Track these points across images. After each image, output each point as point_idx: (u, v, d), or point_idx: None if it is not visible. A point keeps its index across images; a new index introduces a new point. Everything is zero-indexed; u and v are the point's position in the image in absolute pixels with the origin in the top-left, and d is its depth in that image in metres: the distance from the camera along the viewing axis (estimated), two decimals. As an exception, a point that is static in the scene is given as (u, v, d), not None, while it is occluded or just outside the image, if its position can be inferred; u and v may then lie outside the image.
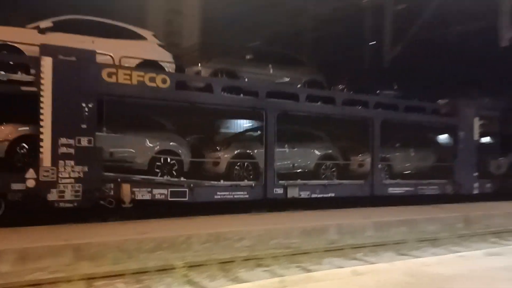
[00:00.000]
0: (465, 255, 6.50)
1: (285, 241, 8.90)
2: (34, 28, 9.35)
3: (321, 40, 22.06)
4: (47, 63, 8.51)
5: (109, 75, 9.21)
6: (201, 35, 22.81)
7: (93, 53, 9.16)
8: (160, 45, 10.81)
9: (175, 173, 10.32)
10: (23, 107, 8.61)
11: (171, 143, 10.51)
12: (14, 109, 8.63)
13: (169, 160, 10.34)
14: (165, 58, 10.61)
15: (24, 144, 8.80)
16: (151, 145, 10.27)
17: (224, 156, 11.21)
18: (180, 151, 10.57)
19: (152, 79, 9.67)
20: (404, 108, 13.57)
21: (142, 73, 9.60)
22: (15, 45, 8.86)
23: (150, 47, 10.54)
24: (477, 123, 14.63)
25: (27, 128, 8.84)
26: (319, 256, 8.06)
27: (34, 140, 8.57)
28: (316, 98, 12.16)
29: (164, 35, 21.03)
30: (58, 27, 9.47)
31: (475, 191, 14.66)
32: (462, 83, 15.41)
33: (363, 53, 21.32)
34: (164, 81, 9.80)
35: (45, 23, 9.40)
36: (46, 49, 8.65)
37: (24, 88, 8.44)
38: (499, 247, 7.50)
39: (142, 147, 10.17)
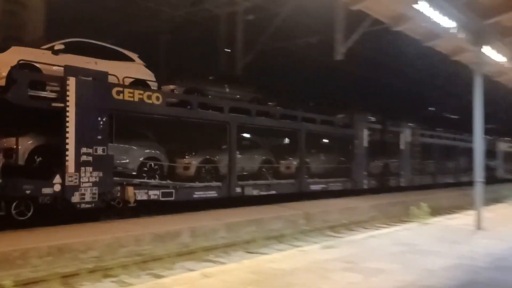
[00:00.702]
0: (304, 249, 7.08)
1: (137, 248, 8.60)
2: (48, 49, 10.33)
3: (176, 44, 21.97)
4: (71, 82, 9.70)
5: (118, 93, 10.59)
6: (46, 30, 20.98)
7: (105, 74, 10.50)
8: (145, 66, 12.20)
9: (157, 177, 11.72)
10: (43, 120, 9.62)
11: (154, 151, 11.95)
12: (35, 121, 9.65)
13: (153, 165, 11.75)
14: (150, 77, 12.11)
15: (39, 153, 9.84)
16: (139, 152, 11.65)
17: (193, 162, 12.87)
18: (161, 158, 12.06)
19: (149, 97, 11.26)
20: (320, 121, 16.69)
21: (142, 92, 11.14)
22: (36, 64, 9.84)
23: (139, 68, 12.02)
24: (366, 133, 18.55)
25: (45, 138, 9.96)
26: (171, 261, 7.99)
27: (51, 149, 9.82)
28: (261, 113, 14.45)
29: (5, 28, 18.60)
30: (68, 49, 10.50)
31: (365, 187, 18.29)
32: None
33: (219, 60, 21.78)
34: (158, 99, 11.40)
35: (58, 46, 10.41)
36: (70, 70, 9.76)
37: (54, 104, 9.59)
38: (333, 240, 8.32)
39: (133, 154, 11.52)
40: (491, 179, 22.76)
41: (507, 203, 15.78)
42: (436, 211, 15.53)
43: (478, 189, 9.23)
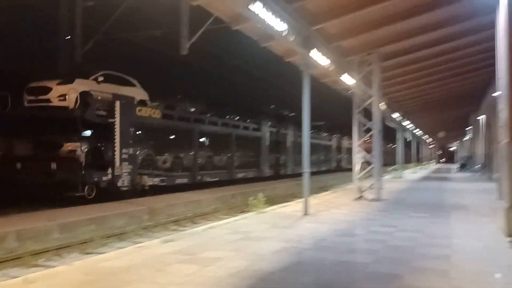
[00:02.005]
0: (143, 245, 6.93)
1: None
2: (94, 79, 14.85)
3: (10, 25, 19.49)
4: (117, 104, 14.53)
5: (138, 111, 15.81)
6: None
7: (132, 98, 15.78)
8: (142, 89, 16.89)
9: (150, 168, 16.58)
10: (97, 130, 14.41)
11: (148, 151, 16.77)
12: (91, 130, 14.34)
13: (148, 160, 16.62)
14: (146, 97, 16.92)
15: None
16: (142, 152, 16.36)
17: (169, 157, 18.12)
18: (152, 155, 16.98)
19: (154, 112, 16.66)
20: (243, 127, 23.85)
21: (149, 109, 16.52)
22: (90, 91, 14.41)
23: (140, 91, 16.73)
24: (267, 135, 25.67)
25: (97, 142, 14.51)
26: (-8, 269, 7.05)
27: (102, 150, 14.63)
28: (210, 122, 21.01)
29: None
30: (104, 79, 15.11)
31: (267, 174, 25.03)
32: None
33: (59, 45, 19.95)
34: (158, 114, 16.89)
35: (100, 77, 14.96)
36: (115, 96, 14.79)
37: (109, 120, 14.44)
38: (174, 234, 8.34)
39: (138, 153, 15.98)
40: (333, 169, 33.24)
41: (331, 190, 17.81)
42: (273, 201, 16.77)
43: (306, 179, 10.21)
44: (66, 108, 13.98)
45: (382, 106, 19.03)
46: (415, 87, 19.13)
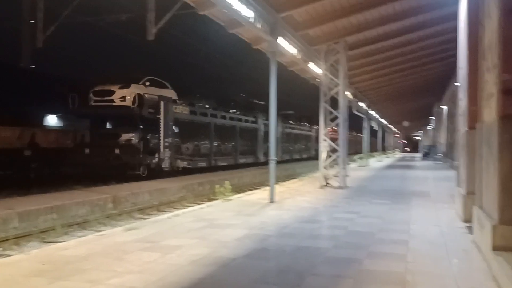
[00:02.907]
0: (105, 233, 6.79)
1: None
2: (142, 84, 19.11)
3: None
4: (162, 104, 18.68)
5: (175, 108, 19.92)
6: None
7: (170, 99, 20.07)
8: (173, 89, 21.09)
9: (181, 154, 20.70)
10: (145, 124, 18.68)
11: (177, 139, 20.16)
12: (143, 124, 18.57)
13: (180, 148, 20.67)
14: (176, 96, 20.92)
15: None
16: (175, 141, 20.05)
17: (193, 145, 21.98)
18: (179, 143, 20.65)
19: (184, 109, 21.06)
20: (244, 120, 27.73)
21: (180, 106, 20.75)
22: (142, 94, 18.69)
23: (172, 92, 20.93)
24: (262, 127, 28.94)
25: (147, 133, 18.86)
26: None
27: (142, 141, 18.48)
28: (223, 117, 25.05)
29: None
30: (149, 83, 19.55)
31: (262, 160, 27.70)
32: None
33: (22, 30, 19.11)
34: (186, 110, 21.20)
35: (147, 82, 19.30)
36: (160, 97, 19.15)
37: (157, 116, 18.50)
38: (138, 222, 8.22)
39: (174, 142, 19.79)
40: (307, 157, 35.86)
41: (298, 178, 17.95)
42: (240, 188, 16.78)
43: (272, 167, 10.24)
44: (126, 107, 18.11)
45: (349, 95, 19.27)
46: (381, 77, 19.45)
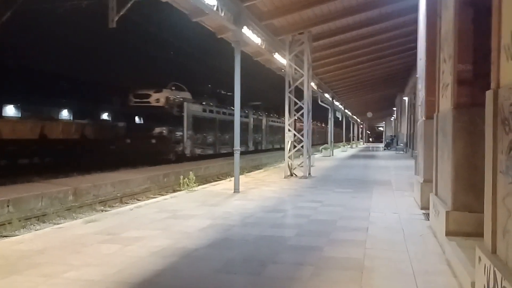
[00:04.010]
0: (63, 226, 6.61)
1: None
2: (169, 88, 24.42)
3: None
4: (185, 105, 23.96)
5: (191, 106, 24.79)
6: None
7: (190, 100, 25.09)
8: (187, 91, 26.00)
9: (197, 143, 25.68)
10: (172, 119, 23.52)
11: (195, 132, 25.39)
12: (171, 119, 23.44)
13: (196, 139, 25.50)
14: (190, 97, 25.70)
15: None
16: (193, 133, 25.01)
17: (204, 136, 26.72)
18: (194, 134, 25.13)
19: (198, 108, 25.66)
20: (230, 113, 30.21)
21: (196, 105, 25.60)
22: (170, 96, 23.78)
23: (188, 93, 25.75)
24: (252, 121, 34.87)
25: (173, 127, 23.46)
26: None
27: (171, 133, 23.30)
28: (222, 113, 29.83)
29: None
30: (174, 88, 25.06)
31: (251, 149, 34.31)
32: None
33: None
34: (200, 108, 25.88)
35: (172, 87, 24.88)
36: (184, 99, 24.38)
37: (182, 114, 23.79)
38: (98, 214, 8.04)
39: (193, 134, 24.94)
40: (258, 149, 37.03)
41: (264, 168, 18.03)
42: (206, 179, 16.70)
43: (236, 157, 10.22)
44: (160, 107, 23.23)
45: (313, 86, 19.45)
46: (345, 68, 19.70)
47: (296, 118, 14.16)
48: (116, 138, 23.75)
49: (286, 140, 13.80)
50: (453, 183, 4.68)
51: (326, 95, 25.83)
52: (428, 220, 6.48)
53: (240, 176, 11.59)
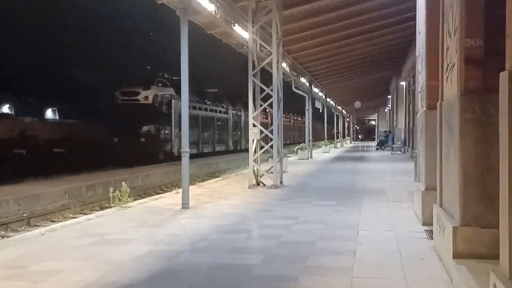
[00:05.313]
0: None
1: None
2: (155, 84, 30.17)
3: None
4: (173, 102, 29.37)
5: (179, 104, 26.08)
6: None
7: (175, 96, 29.64)
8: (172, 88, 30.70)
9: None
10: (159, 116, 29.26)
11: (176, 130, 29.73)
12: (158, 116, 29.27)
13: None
14: (174, 92, 29.64)
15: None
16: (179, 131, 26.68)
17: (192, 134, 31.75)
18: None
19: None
20: (219, 111, 39.11)
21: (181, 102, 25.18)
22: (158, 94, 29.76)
23: (171, 89, 30.25)
24: (231, 114, 40.95)
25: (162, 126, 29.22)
26: None
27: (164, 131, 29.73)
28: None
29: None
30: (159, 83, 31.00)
31: (231, 149, 40.16)
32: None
33: None
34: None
35: (159, 83, 30.48)
36: (173, 96, 29.78)
37: (170, 111, 29.75)
38: (-2, 240, 7.81)
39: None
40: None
41: (222, 176, 18.03)
42: (145, 191, 16.54)
43: (185, 163, 10.17)
44: (149, 105, 28.19)
45: (285, 67, 19.58)
46: (325, 45, 19.91)
47: (267, 111, 14.24)
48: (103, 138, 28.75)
49: (250, 138, 13.81)
50: (462, 191, 4.80)
51: (302, 79, 26.10)
52: (432, 238, 6.65)
53: (191, 187, 11.55)
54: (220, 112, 40.31)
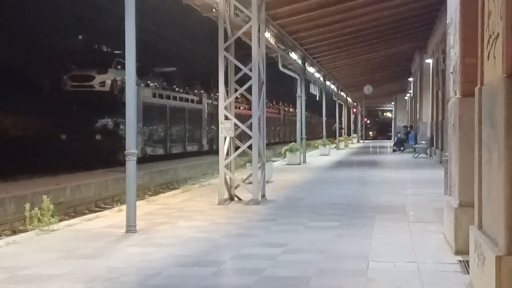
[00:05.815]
0: None
1: None
2: (115, 67, 33.41)
3: None
4: (138, 89, 29.72)
5: (144, 91, 35.19)
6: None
7: (137, 81, 24.22)
8: None
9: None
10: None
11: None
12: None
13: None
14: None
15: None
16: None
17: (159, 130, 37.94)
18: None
19: (149, 91, 37.14)
20: (190, 100, 43.35)
21: (148, 89, 36.95)
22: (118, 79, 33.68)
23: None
24: (206, 104, 45.41)
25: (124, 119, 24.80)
26: None
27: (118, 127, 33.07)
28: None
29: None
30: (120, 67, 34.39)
31: (207, 148, 44.33)
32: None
33: None
34: (150, 92, 37.62)
35: (118, 65, 32.75)
36: (137, 81, 22.76)
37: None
38: None
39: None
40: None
41: (182, 187, 17.99)
42: (75, 209, 16.47)
43: (130, 170, 10.10)
44: (106, 92, 30.16)
45: (269, 38, 19.54)
46: (323, 8, 19.91)
47: (240, 96, 14.21)
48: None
49: (220, 136, 13.68)
50: (509, 208, 4.80)
51: (293, 55, 26.10)
52: (468, 272, 6.68)
53: (140, 202, 11.48)
54: (193, 101, 42.64)
